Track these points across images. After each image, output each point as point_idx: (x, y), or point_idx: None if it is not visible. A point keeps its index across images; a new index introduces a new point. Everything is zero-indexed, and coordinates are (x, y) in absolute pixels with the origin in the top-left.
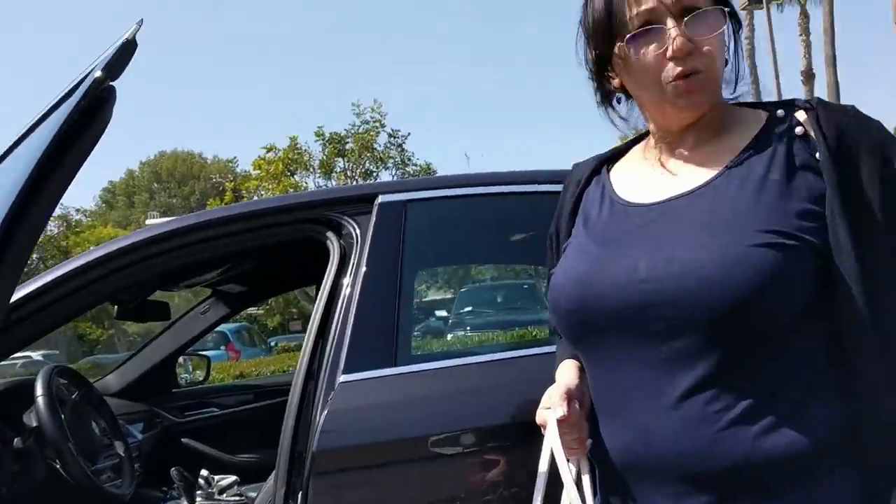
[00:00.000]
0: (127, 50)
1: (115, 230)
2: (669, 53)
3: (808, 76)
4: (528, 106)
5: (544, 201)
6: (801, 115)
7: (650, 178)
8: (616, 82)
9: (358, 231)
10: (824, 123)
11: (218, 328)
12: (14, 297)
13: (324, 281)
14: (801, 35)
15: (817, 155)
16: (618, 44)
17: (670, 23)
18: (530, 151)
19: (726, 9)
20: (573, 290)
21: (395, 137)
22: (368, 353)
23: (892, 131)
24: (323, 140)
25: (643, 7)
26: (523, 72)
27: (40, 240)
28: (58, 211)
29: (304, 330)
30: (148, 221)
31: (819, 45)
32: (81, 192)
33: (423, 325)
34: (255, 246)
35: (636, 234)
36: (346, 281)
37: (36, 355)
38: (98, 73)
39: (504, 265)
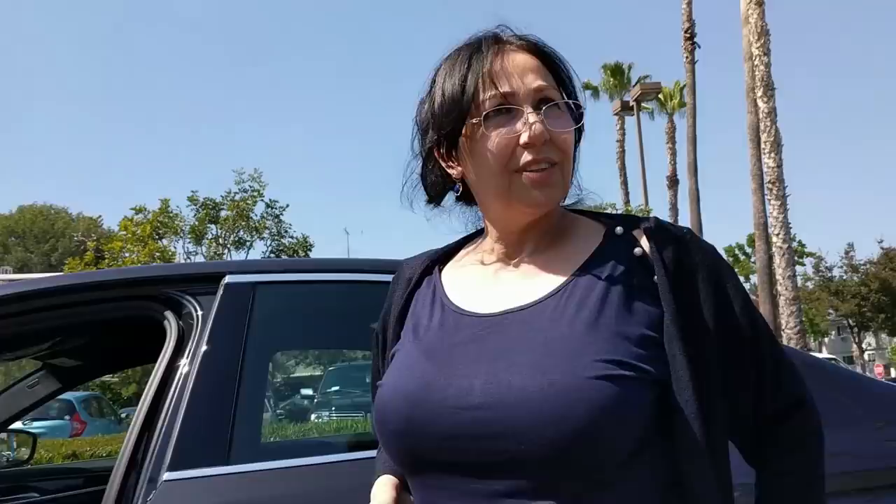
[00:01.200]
0: None
1: None
2: (525, 139)
3: (673, 181)
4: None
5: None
6: (639, 235)
7: (484, 284)
8: (457, 171)
9: (199, 311)
10: (662, 247)
11: (63, 396)
12: None
13: (157, 362)
14: (667, 143)
15: (654, 278)
16: (469, 121)
17: (528, 108)
18: (407, 225)
19: (580, 108)
20: (400, 410)
21: (272, 208)
22: (199, 446)
23: (740, 244)
24: (196, 205)
25: (500, 89)
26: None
27: None
28: None
29: None
30: (0, 276)
31: (683, 155)
32: None
33: (287, 405)
34: (88, 321)
35: (470, 350)
36: (183, 362)
37: None
38: None
39: (359, 350)
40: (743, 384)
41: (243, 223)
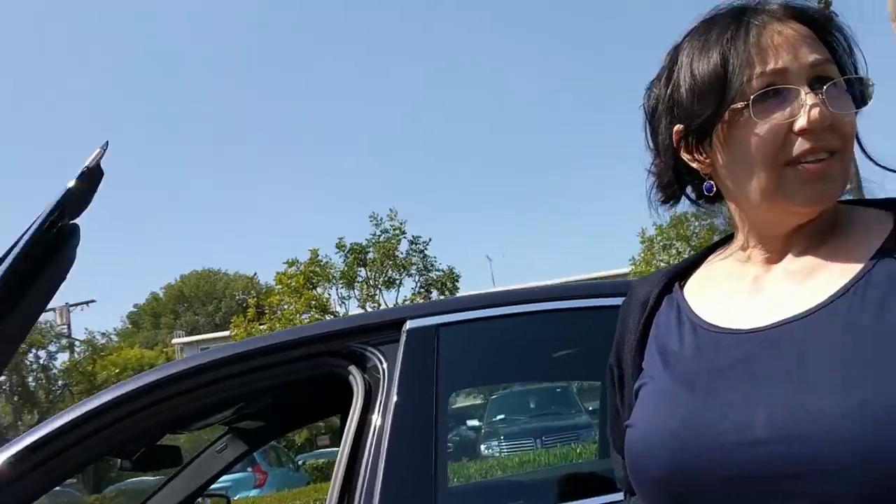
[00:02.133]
0: (89, 180)
1: (141, 351)
2: (802, 125)
3: None
4: (544, 199)
5: (581, 318)
6: None
7: (741, 296)
8: (705, 165)
9: (385, 363)
10: None
11: None
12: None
13: (348, 420)
14: None
15: None
16: (733, 106)
17: (804, 88)
18: (550, 247)
19: (870, 84)
20: (664, 453)
21: (416, 244)
22: (404, 500)
23: None
24: (344, 251)
25: (770, 66)
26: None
27: (65, 365)
28: (83, 336)
29: (332, 444)
30: (174, 340)
31: None
32: (106, 318)
33: (455, 436)
34: (271, 385)
35: (740, 374)
36: (375, 416)
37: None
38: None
39: (546, 383)
40: None
41: (390, 262)
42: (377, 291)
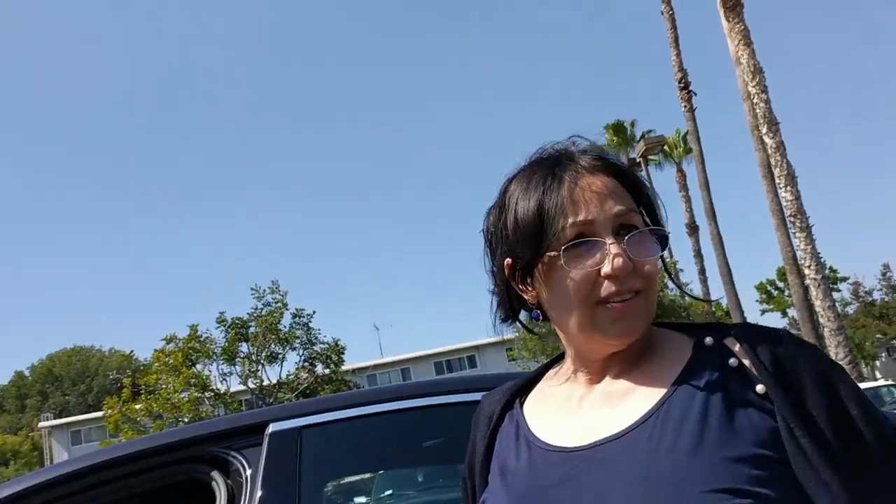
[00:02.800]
0: None
1: (3, 437)
2: (607, 271)
3: (693, 228)
4: (427, 268)
5: (454, 413)
6: (731, 344)
7: (569, 415)
8: (531, 295)
9: (248, 468)
10: (760, 353)
11: None
12: None
13: None
14: (680, 192)
15: (757, 389)
16: (547, 254)
17: (609, 238)
18: (438, 314)
19: (667, 232)
20: None
21: (299, 317)
22: None
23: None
24: (225, 326)
25: (580, 218)
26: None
27: None
28: None
29: None
30: (41, 424)
31: (698, 199)
32: None
33: None
34: (134, 494)
35: (564, 493)
36: None
37: None
38: None
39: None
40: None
41: (273, 336)
42: (260, 367)
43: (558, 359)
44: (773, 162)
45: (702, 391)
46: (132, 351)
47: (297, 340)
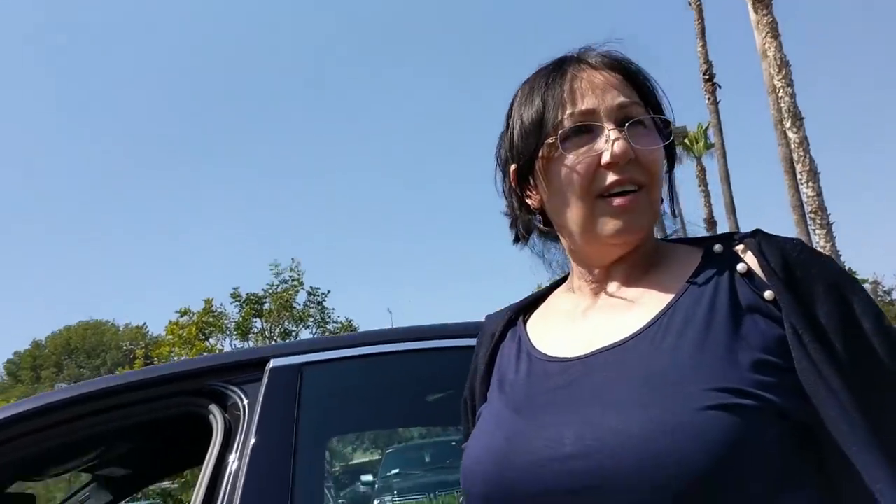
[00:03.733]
0: None
1: None
2: (607, 159)
3: (711, 223)
4: (447, 256)
5: (457, 357)
6: (741, 251)
7: (572, 327)
8: (535, 200)
9: (245, 401)
10: (771, 259)
11: None
12: None
13: (206, 459)
14: (699, 186)
15: (766, 295)
16: (546, 142)
17: (609, 125)
18: (454, 301)
19: (672, 124)
20: (488, 470)
21: (314, 296)
22: None
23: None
24: (239, 301)
25: (580, 108)
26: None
27: None
28: None
29: None
30: None
31: (718, 195)
32: None
33: (348, 493)
34: (129, 425)
35: (558, 397)
36: (232, 458)
37: None
38: None
39: (421, 427)
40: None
41: (287, 314)
42: (273, 343)
43: (565, 279)
44: (795, 157)
45: (708, 296)
46: (144, 323)
47: (311, 319)
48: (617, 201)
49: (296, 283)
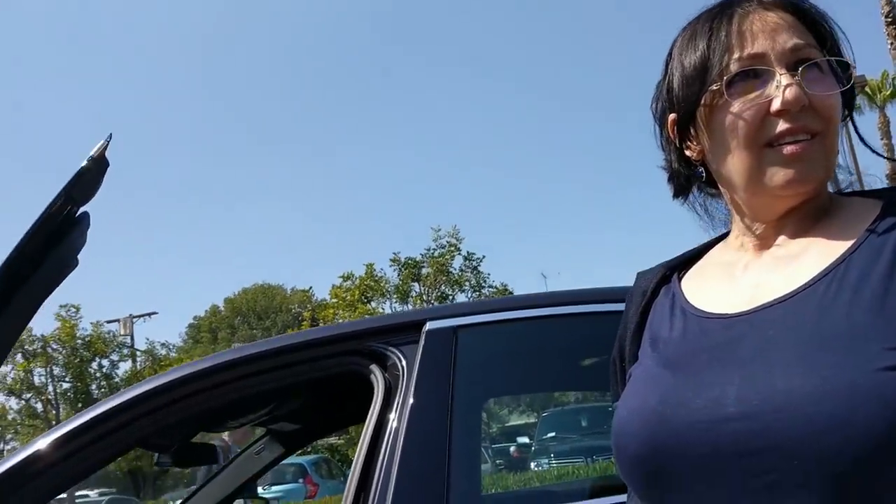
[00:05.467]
0: (94, 169)
1: None
2: (778, 105)
3: (894, 179)
4: (603, 215)
5: (612, 322)
6: None
7: (732, 283)
8: (696, 151)
9: (404, 362)
10: None
11: (296, 460)
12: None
13: (367, 418)
14: (882, 139)
15: None
16: (711, 88)
17: (781, 70)
18: (609, 263)
19: (851, 66)
20: (641, 431)
21: (470, 260)
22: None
23: None
24: (399, 266)
25: (748, 51)
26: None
27: (127, 374)
28: (143, 346)
29: None
30: None
31: None
32: (167, 330)
33: (504, 454)
34: (296, 382)
35: (718, 355)
36: (392, 416)
37: (93, 494)
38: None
39: (574, 391)
40: None
41: (444, 278)
42: (430, 307)
43: (726, 234)
44: None
45: (890, 248)
46: (311, 287)
47: (467, 283)
48: (788, 149)
49: (453, 248)
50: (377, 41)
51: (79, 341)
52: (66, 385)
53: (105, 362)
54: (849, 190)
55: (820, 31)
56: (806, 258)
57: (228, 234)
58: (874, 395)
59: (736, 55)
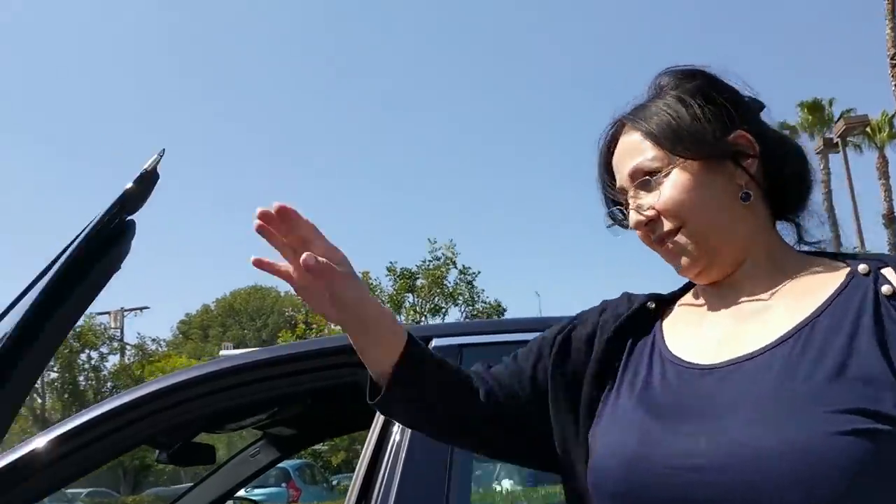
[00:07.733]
0: (146, 182)
1: (189, 361)
2: (630, 227)
3: (890, 219)
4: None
5: None
6: (889, 273)
7: (705, 330)
8: None
9: None
10: None
11: (280, 465)
12: (54, 434)
13: (370, 432)
14: (880, 179)
15: None
16: (609, 209)
17: (630, 193)
18: (598, 281)
19: (683, 156)
20: (619, 470)
21: (465, 274)
22: None
23: None
24: (394, 275)
25: (617, 185)
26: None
27: (115, 368)
28: (134, 340)
29: None
30: (221, 352)
31: None
32: (158, 325)
33: (507, 468)
34: (303, 390)
35: (695, 406)
36: (395, 429)
37: (84, 493)
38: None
39: None
40: None
41: (438, 290)
42: (423, 319)
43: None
44: None
45: (851, 318)
46: None
47: (461, 297)
48: (663, 249)
49: (448, 261)
50: (378, 46)
51: None
52: (53, 375)
53: (94, 354)
54: (821, 239)
55: (662, 120)
56: (773, 316)
57: (227, 235)
58: (829, 458)
59: (612, 190)
